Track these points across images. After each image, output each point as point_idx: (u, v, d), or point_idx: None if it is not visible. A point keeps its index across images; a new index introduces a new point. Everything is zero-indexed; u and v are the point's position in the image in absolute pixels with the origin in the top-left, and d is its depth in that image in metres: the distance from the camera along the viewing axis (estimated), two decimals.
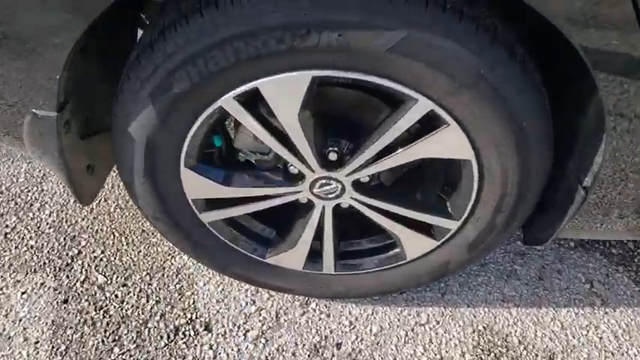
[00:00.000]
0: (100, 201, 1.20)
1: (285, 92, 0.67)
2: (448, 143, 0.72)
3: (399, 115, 0.70)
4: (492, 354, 0.98)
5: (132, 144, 0.76)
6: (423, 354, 0.97)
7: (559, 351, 0.98)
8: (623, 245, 1.17)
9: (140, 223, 1.16)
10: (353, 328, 1.01)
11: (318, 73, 0.65)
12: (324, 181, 0.81)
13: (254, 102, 0.71)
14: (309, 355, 0.96)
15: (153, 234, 1.14)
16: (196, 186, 0.82)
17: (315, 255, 0.94)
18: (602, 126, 0.67)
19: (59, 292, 1.03)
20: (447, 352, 0.98)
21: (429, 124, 0.71)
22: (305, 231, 0.89)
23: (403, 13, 0.59)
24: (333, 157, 0.78)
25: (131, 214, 1.18)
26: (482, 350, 0.98)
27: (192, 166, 0.79)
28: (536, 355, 0.97)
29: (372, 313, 1.03)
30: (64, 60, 0.66)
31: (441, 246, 0.88)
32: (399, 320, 1.02)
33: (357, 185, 0.82)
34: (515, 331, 1.01)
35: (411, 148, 0.74)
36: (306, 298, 1.04)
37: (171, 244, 1.06)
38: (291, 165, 0.80)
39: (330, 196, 0.83)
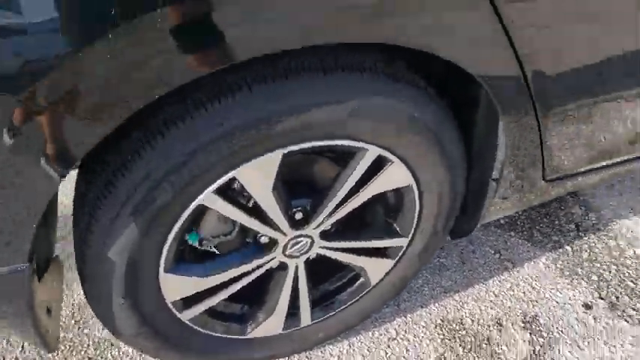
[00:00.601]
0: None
1: (261, 173, 0.73)
2: (394, 177, 0.85)
3: (354, 166, 0.80)
4: (457, 339, 1.12)
5: (111, 268, 0.73)
6: None
7: (502, 315, 1.17)
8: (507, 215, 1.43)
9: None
10: None
11: (288, 149, 0.72)
12: (295, 240, 0.87)
13: (227, 188, 0.75)
14: None
15: None
16: (176, 287, 0.82)
17: (291, 313, 0.98)
18: (497, 133, 0.86)
19: None
20: (423, 353, 1.10)
21: (373, 165, 0.83)
22: (282, 294, 0.94)
23: (353, 86, 0.71)
24: (299, 216, 0.85)
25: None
26: (449, 340, 1.12)
27: (170, 269, 0.79)
28: (489, 326, 1.15)
29: (350, 347, 1.11)
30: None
31: (397, 262, 1.01)
32: (374, 343, 1.11)
33: (323, 235, 0.90)
34: (465, 312, 1.18)
35: (366, 190, 0.85)
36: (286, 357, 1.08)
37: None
38: (262, 235, 0.85)
39: (302, 251, 0.90)
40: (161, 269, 0.78)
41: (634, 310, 1.17)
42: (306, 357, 1.08)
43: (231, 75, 0.65)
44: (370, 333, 1.13)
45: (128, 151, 0.67)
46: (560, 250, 1.31)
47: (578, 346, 1.10)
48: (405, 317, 1.16)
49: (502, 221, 1.40)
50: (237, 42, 0.57)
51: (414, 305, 1.19)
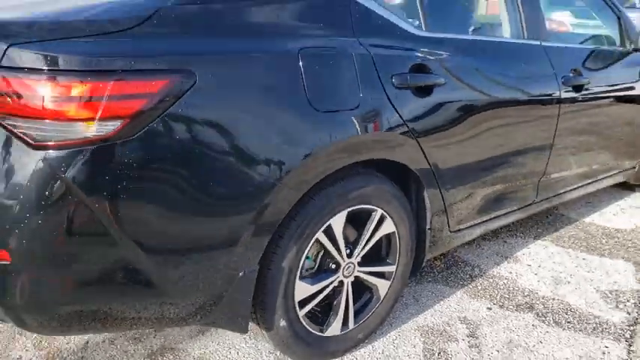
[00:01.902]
0: None
1: (339, 221, 1.61)
2: (387, 227, 1.77)
3: (371, 220, 1.71)
4: (442, 335, 1.94)
5: (280, 273, 1.51)
6: None
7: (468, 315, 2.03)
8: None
9: None
10: None
11: (349, 209, 1.62)
12: (347, 266, 1.71)
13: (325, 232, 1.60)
14: None
15: None
16: (300, 290, 1.59)
17: (344, 318, 1.75)
18: (425, 199, 1.85)
19: None
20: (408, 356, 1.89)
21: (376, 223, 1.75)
22: (341, 304, 1.72)
23: (370, 181, 1.66)
24: (348, 251, 1.70)
25: None
26: (432, 339, 1.93)
27: (300, 277, 1.57)
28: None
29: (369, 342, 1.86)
30: None
31: (391, 282, 1.86)
32: None
33: (359, 263, 1.74)
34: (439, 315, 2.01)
35: (378, 232, 1.75)
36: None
37: None
38: (332, 262, 1.67)
39: (349, 274, 1.72)
40: (297, 277, 1.56)
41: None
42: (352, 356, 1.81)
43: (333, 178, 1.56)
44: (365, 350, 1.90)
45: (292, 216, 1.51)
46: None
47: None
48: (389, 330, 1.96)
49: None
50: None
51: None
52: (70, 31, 1.20)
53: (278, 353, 1.78)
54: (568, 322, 2.05)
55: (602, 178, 2.94)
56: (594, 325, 2.04)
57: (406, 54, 1.69)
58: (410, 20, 1.80)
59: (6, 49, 1.13)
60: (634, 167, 3.21)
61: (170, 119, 1.21)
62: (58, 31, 1.20)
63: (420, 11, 1.86)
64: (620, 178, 3.16)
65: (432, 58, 1.74)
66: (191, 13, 1.33)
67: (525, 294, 2.24)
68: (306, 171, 1.43)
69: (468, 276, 2.36)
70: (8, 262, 1.19)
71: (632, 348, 1.90)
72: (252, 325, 1.65)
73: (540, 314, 2.09)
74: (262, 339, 1.83)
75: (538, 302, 2.18)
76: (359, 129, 1.51)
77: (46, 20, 1.23)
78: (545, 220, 2.99)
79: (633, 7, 7.59)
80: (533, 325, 2.02)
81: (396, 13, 1.75)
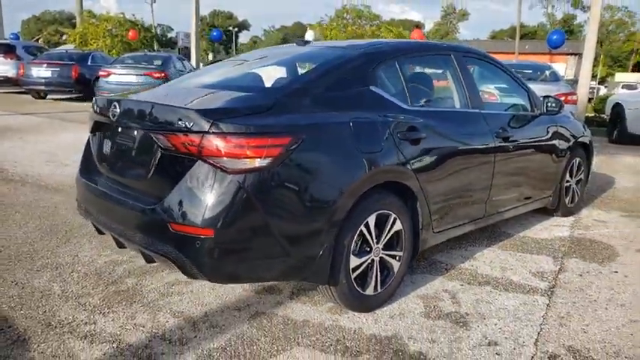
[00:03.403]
0: None
1: (373, 219, 2.66)
2: (397, 225, 2.83)
3: (390, 220, 2.77)
4: (433, 298, 2.97)
5: (344, 250, 2.53)
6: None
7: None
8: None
9: None
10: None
11: (378, 212, 2.68)
12: (376, 249, 2.74)
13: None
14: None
15: None
16: (353, 261, 2.60)
17: (374, 285, 2.76)
18: (417, 206, 2.94)
19: None
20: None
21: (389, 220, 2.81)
22: (374, 274, 2.74)
23: (390, 196, 2.74)
24: (376, 240, 2.75)
25: None
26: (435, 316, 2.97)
27: (353, 252, 2.59)
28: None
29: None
30: None
31: (400, 263, 2.90)
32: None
33: (382, 248, 2.78)
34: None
35: (392, 228, 2.80)
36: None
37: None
38: (367, 246, 2.70)
39: (377, 254, 2.76)
40: (351, 252, 2.58)
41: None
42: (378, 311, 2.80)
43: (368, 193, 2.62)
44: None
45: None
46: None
47: None
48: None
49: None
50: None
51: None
52: (238, 112, 2.28)
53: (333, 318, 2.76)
54: (512, 288, 3.14)
55: (528, 203, 4.15)
56: (528, 289, 3.14)
57: (403, 119, 2.83)
58: (401, 99, 2.96)
59: (212, 123, 2.18)
60: (549, 197, 4.45)
61: (292, 158, 2.28)
62: (233, 111, 2.27)
63: (406, 93, 3.02)
64: (539, 204, 4.38)
65: (417, 121, 2.89)
66: (293, 102, 2.44)
67: (483, 276, 3.33)
68: (357, 187, 2.50)
69: (443, 269, 3.44)
70: (212, 236, 2.18)
71: (551, 299, 3.01)
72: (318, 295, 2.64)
73: (494, 286, 3.18)
74: (331, 309, 2.81)
75: (492, 280, 3.27)
76: (382, 163, 2.62)
77: (221, 106, 2.30)
78: (492, 235, 4.14)
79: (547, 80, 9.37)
80: (490, 291, 3.10)
81: (394, 95, 2.91)
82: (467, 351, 2.42)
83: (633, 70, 62.43)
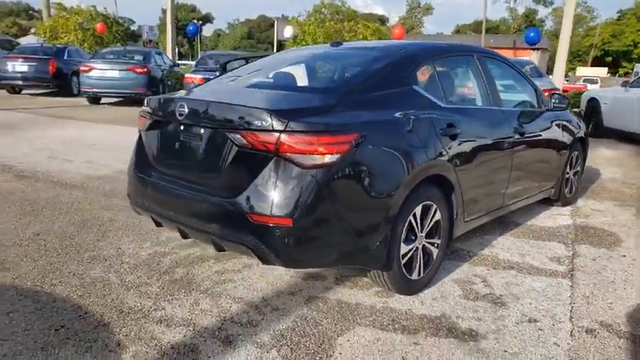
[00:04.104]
0: None
1: (419, 209, 2.88)
2: (437, 215, 3.06)
3: (432, 211, 3.00)
4: (467, 282, 3.22)
5: (397, 239, 2.75)
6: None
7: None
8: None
9: None
10: None
11: (423, 204, 2.90)
12: (420, 238, 2.97)
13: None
14: None
15: None
16: (402, 248, 2.82)
17: (418, 271, 2.99)
18: (453, 193, 3.18)
19: None
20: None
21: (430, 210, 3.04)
22: (418, 261, 2.97)
23: (432, 187, 2.97)
24: (418, 231, 2.97)
25: None
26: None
27: (402, 240, 2.81)
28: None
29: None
30: None
31: (438, 250, 3.13)
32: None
33: (425, 236, 3.01)
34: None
35: (434, 218, 3.03)
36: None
37: None
38: (413, 235, 2.92)
39: (421, 243, 2.98)
40: (402, 240, 2.80)
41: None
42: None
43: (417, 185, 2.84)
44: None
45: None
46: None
47: None
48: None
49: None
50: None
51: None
52: (308, 111, 2.46)
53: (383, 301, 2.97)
54: (535, 272, 3.43)
55: (536, 194, 4.46)
56: (550, 272, 3.43)
57: (442, 116, 3.06)
58: (438, 97, 3.18)
59: (287, 123, 2.36)
60: (552, 187, 4.78)
61: (357, 154, 2.48)
62: (304, 111, 2.45)
63: (441, 92, 3.24)
64: (545, 195, 4.71)
65: (453, 118, 3.13)
66: (353, 101, 2.64)
67: (505, 262, 3.60)
68: (411, 180, 2.72)
69: (467, 256, 3.70)
70: (290, 226, 2.36)
71: (573, 281, 3.30)
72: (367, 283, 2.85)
73: (518, 270, 3.45)
74: (373, 291, 3.02)
75: (515, 265, 3.55)
76: (430, 157, 2.85)
77: (293, 107, 2.49)
78: (502, 224, 4.43)
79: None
80: (516, 275, 3.37)
81: (432, 94, 3.14)
82: (512, 327, 2.68)
83: (592, 65, 64.92)
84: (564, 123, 4.70)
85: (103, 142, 7.74)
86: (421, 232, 2.96)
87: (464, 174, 3.18)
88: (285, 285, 3.06)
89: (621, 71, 63.21)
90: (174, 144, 2.80)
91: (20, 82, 14.65)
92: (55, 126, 9.27)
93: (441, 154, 2.95)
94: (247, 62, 4.67)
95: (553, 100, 4.42)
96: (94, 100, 13.45)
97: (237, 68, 3.84)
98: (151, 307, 2.72)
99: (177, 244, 3.62)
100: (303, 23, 20.00)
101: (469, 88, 3.70)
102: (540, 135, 4.25)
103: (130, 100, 13.51)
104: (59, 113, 11.24)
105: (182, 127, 2.75)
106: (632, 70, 52.59)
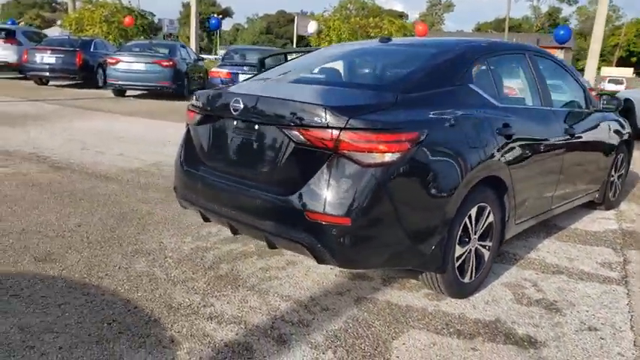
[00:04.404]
0: None
1: (474, 211, 2.80)
2: (490, 217, 2.97)
3: (486, 212, 2.91)
4: (518, 286, 3.13)
5: (453, 239, 2.66)
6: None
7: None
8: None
9: None
10: None
11: (478, 205, 2.81)
12: (473, 238, 2.88)
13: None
14: None
15: None
16: (457, 251, 2.74)
17: (470, 274, 2.91)
18: (504, 200, 3.08)
19: None
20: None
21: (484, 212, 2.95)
22: (470, 263, 2.89)
23: (487, 190, 2.88)
24: (472, 233, 2.89)
25: None
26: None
27: (456, 242, 2.73)
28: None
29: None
30: None
31: (490, 253, 3.04)
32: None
33: (477, 239, 2.92)
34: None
35: (487, 220, 2.94)
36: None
37: None
38: (466, 237, 2.83)
39: (473, 245, 2.90)
40: (456, 242, 2.72)
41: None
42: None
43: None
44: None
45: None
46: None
47: None
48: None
49: None
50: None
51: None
52: (368, 108, 2.39)
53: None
54: (587, 277, 3.32)
55: (582, 197, 4.33)
56: (602, 278, 3.32)
57: (498, 116, 2.96)
58: (492, 96, 3.09)
59: (348, 120, 2.29)
60: (597, 190, 4.64)
61: (418, 152, 2.40)
62: (364, 108, 2.38)
63: (495, 90, 3.15)
64: (589, 198, 4.57)
65: (508, 118, 3.03)
66: (412, 99, 2.56)
67: (554, 266, 3.49)
68: (469, 180, 2.63)
69: (513, 259, 3.59)
70: (348, 225, 2.29)
71: (629, 288, 3.19)
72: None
73: (569, 275, 3.34)
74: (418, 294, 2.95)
75: (564, 269, 3.44)
76: (487, 157, 2.76)
77: (354, 104, 2.42)
78: (546, 229, 4.31)
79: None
80: (567, 280, 3.27)
81: (487, 93, 3.04)
82: (572, 335, 2.58)
83: (617, 65, 63.64)
84: (611, 124, 4.56)
85: (130, 135, 7.77)
86: (474, 234, 2.87)
87: (517, 175, 3.08)
88: (332, 284, 3.00)
89: None
90: (227, 139, 2.75)
91: (48, 74, 14.80)
92: (84, 117, 9.33)
93: (497, 155, 2.86)
94: (286, 57, 4.63)
95: (602, 101, 4.28)
96: (120, 92, 13.51)
97: (276, 65, 3.77)
98: (199, 304, 2.68)
99: (219, 239, 3.58)
100: (329, 19, 19.90)
101: (522, 87, 3.59)
102: (589, 137, 4.12)
103: (155, 93, 13.56)
104: (86, 105, 11.33)
105: (236, 123, 2.69)
106: None
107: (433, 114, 2.57)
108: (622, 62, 65.27)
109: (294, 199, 2.38)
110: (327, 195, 2.31)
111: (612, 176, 4.82)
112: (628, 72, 53.99)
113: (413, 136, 2.38)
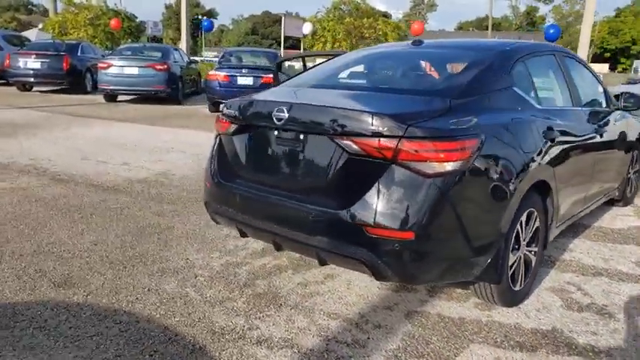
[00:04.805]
0: None
1: (525, 218, 2.70)
2: (537, 222, 2.88)
3: (533, 218, 2.82)
4: (563, 291, 3.04)
5: (506, 249, 2.56)
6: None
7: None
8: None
9: None
10: None
11: (529, 210, 2.72)
12: (523, 246, 2.79)
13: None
14: None
15: None
16: (510, 259, 2.64)
17: (520, 281, 2.81)
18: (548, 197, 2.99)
19: None
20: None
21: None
22: (521, 270, 2.79)
23: (535, 195, 2.78)
24: (522, 240, 2.79)
25: None
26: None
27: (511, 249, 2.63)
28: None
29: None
30: None
31: (536, 258, 2.95)
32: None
33: (526, 245, 2.83)
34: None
35: (534, 226, 2.85)
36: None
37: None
38: (517, 244, 2.74)
39: (522, 252, 2.80)
40: (510, 249, 2.61)
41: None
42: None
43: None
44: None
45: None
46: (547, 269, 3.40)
47: None
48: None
49: None
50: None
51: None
52: (425, 115, 2.27)
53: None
54: (628, 279, 3.25)
55: (607, 194, 4.28)
56: (638, 278, 3.26)
57: (541, 119, 2.87)
58: (533, 99, 2.99)
59: (407, 128, 2.17)
60: (617, 188, 4.59)
61: (478, 159, 2.29)
62: (421, 115, 2.26)
63: (535, 93, 3.05)
64: (611, 196, 4.52)
65: (550, 121, 2.94)
66: (464, 105, 2.45)
67: (591, 267, 3.42)
68: (524, 186, 2.54)
69: (549, 261, 3.51)
70: (412, 239, 2.18)
71: None
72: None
73: (609, 276, 3.27)
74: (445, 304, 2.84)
75: (602, 270, 3.37)
76: (537, 162, 2.66)
77: (410, 111, 2.30)
78: (572, 228, 4.23)
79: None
80: (609, 282, 3.20)
81: (528, 95, 2.94)
82: (633, 342, 2.50)
83: (592, 61, 64.57)
84: (628, 121, 4.52)
85: (129, 142, 7.54)
86: (524, 241, 2.78)
87: (560, 178, 3.00)
88: (377, 298, 2.88)
89: (619, 67, 62.84)
90: (268, 150, 2.61)
91: (32, 79, 14.38)
92: (77, 125, 9.06)
93: (545, 158, 2.77)
94: (304, 62, 4.48)
95: (623, 100, 4.22)
96: (111, 97, 13.20)
97: (297, 75, 3.62)
98: (244, 326, 2.53)
99: (248, 253, 3.44)
100: (322, 19, 19.66)
101: (555, 88, 3.50)
102: (613, 135, 4.06)
103: (147, 98, 13.29)
104: (77, 111, 11.03)
105: (277, 132, 2.55)
106: (631, 66, 52.42)
107: (487, 119, 2.46)
108: (596, 59, 66.27)
109: (349, 214, 2.25)
110: (388, 208, 2.19)
111: (629, 173, 4.78)
112: (604, 68, 54.69)
113: (473, 144, 2.27)
